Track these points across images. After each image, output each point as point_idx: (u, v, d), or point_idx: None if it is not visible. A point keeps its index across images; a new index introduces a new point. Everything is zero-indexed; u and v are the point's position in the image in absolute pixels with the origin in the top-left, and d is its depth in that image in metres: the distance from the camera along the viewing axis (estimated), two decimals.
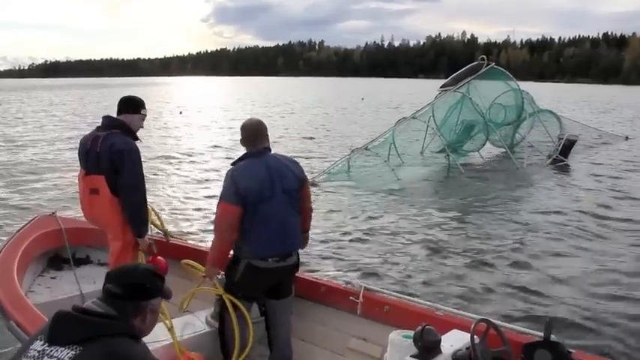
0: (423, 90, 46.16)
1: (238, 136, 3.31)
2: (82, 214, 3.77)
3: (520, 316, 4.88)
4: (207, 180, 11.30)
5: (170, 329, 3.09)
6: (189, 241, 5.04)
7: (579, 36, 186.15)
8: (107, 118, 3.61)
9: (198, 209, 8.84)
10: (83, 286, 3.95)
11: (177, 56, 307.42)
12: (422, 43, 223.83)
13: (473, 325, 2.51)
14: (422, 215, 8.59)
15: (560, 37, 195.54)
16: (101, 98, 46.33)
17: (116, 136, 3.45)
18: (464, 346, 2.53)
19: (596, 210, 9.01)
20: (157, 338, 2.98)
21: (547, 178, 12.24)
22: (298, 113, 31.40)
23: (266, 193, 3.05)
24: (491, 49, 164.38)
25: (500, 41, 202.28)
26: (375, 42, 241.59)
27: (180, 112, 30.52)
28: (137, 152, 3.50)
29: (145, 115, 3.67)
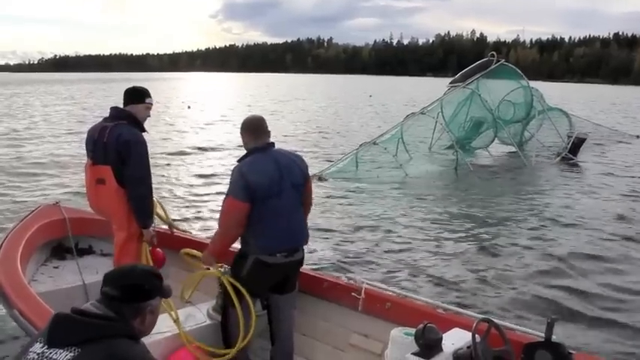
0: (431, 88, 45.94)
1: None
2: (87, 204, 3.77)
3: (522, 316, 4.84)
4: (213, 175, 11.31)
5: (176, 321, 3.11)
6: (194, 233, 5.04)
7: (590, 36, 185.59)
8: (115, 109, 3.61)
9: (204, 202, 8.86)
10: (86, 276, 3.96)
11: (185, 52, 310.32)
12: (431, 41, 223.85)
13: (475, 324, 2.51)
14: (428, 212, 8.55)
15: (570, 37, 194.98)
16: (110, 92, 46.54)
17: (123, 127, 3.45)
18: (465, 345, 2.53)
19: (604, 208, 8.92)
20: (161, 329, 2.98)
21: (556, 176, 12.17)
22: (307, 110, 31.41)
23: (275, 188, 3.03)
24: (501, 48, 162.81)
25: (510, 40, 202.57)
26: (383, 40, 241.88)
27: (189, 107, 30.59)
28: (144, 144, 3.49)
29: (151, 104, 3.65)
